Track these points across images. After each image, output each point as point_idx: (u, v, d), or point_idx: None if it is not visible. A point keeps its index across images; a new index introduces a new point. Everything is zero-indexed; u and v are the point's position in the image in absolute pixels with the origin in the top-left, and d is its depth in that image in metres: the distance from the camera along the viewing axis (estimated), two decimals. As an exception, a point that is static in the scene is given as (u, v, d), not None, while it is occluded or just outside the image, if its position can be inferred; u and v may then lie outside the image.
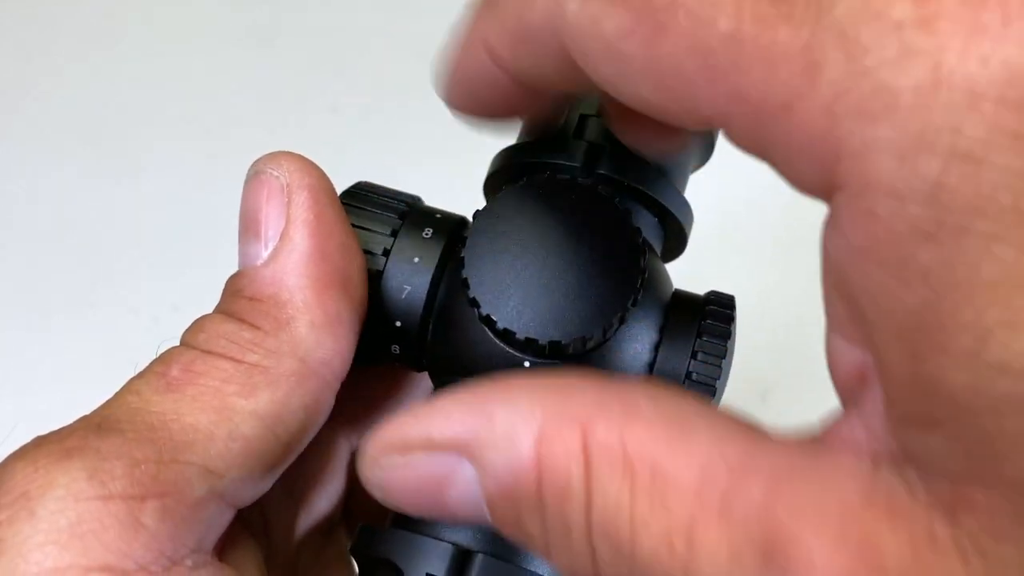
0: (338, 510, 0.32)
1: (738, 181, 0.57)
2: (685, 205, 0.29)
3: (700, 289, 0.29)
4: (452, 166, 0.56)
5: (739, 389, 0.53)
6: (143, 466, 0.22)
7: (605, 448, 0.17)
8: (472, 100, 0.24)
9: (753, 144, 0.17)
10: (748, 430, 0.17)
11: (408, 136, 0.61)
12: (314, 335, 0.25)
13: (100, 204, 0.59)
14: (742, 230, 0.55)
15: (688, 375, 0.26)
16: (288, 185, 0.25)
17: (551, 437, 0.18)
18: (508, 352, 0.26)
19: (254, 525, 0.28)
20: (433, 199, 0.30)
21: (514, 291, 0.25)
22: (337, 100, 0.63)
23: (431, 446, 0.19)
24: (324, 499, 0.31)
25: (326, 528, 0.31)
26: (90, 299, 0.57)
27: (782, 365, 0.53)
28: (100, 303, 0.56)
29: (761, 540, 0.15)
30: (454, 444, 0.19)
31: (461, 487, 0.19)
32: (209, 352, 0.24)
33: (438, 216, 0.29)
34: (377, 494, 0.21)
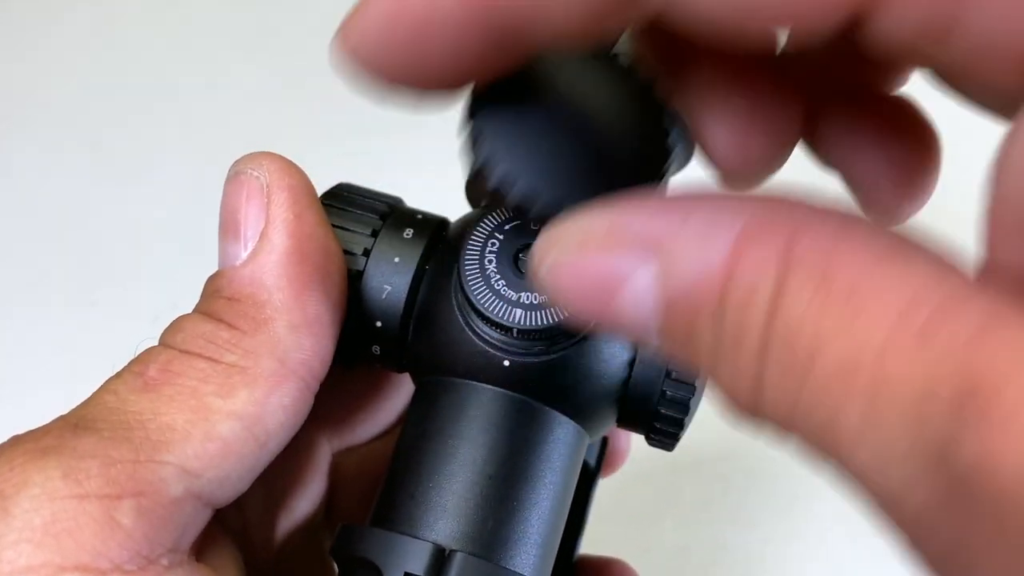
0: (319, 513, 0.32)
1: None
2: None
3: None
4: (452, 166, 0.56)
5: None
6: (119, 465, 0.22)
7: (806, 259, 0.15)
8: (409, 54, 0.19)
9: (907, 43, 0.16)
10: (964, 275, 0.15)
11: (408, 136, 0.60)
12: (293, 336, 0.25)
13: (100, 204, 0.59)
14: None
15: (668, 373, 0.27)
16: (268, 185, 0.25)
17: (751, 240, 0.16)
18: (489, 352, 0.26)
19: (233, 525, 0.28)
20: (433, 200, 0.31)
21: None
22: (337, 100, 0.61)
23: (614, 240, 0.17)
24: (305, 501, 0.31)
25: (307, 530, 0.31)
26: (90, 298, 0.57)
27: None
28: (100, 302, 0.56)
29: (962, 379, 0.14)
30: (641, 240, 0.17)
31: (635, 292, 0.17)
32: (187, 352, 0.24)
33: (419, 217, 0.29)
34: (544, 287, 0.18)
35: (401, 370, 0.29)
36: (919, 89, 0.24)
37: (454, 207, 0.32)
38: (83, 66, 0.65)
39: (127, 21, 0.67)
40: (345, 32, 0.19)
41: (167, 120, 0.63)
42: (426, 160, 0.58)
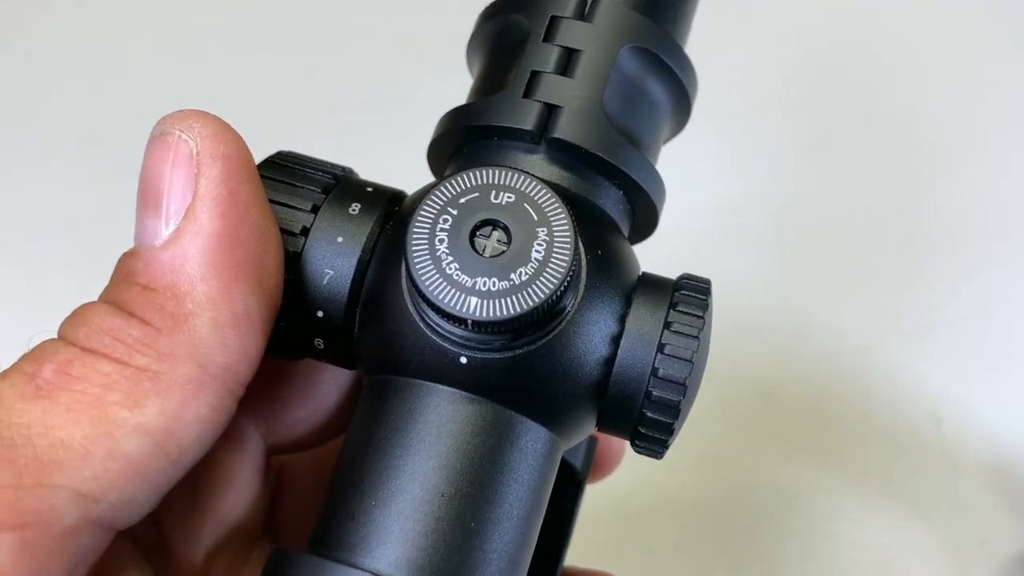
0: (256, 518, 0.28)
1: (737, 180, 0.55)
2: (655, 177, 0.26)
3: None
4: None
5: (742, 389, 0.50)
6: None
7: None
8: None
9: None
10: None
11: (408, 136, 0.58)
12: (216, 335, 0.21)
13: (99, 204, 0.58)
14: (742, 229, 0.53)
15: (661, 347, 0.23)
16: (198, 152, 0.21)
17: None
18: (442, 346, 0.23)
19: (145, 540, 0.25)
20: (380, 176, 0.27)
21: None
22: (337, 100, 0.61)
23: None
24: (236, 506, 0.27)
25: (242, 541, 0.27)
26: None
27: (784, 366, 0.51)
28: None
29: None
30: None
31: None
32: (90, 351, 0.20)
33: (369, 189, 0.25)
34: None
35: (350, 366, 0.25)
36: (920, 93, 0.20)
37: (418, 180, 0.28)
38: (82, 66, 0.63)
39: (127, 21, 0.65)
40: None
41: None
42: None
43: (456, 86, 0.58)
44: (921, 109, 0.61)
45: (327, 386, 0.28)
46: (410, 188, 0.26)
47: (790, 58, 0.61)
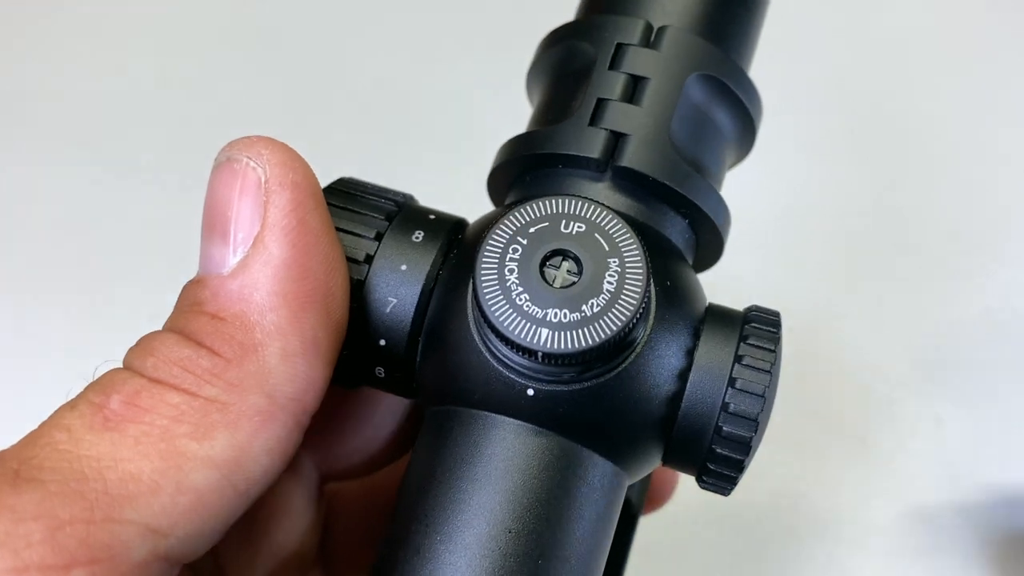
0: (309, 547, 0.27)
1: (738, 182, 0.55)
2: (721, 205, 0.26)
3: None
4: (453, 167, 0.54)
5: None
6: (68, 528, 0.18)
7: None
8: None
9: None
10: None
11: (408, 136, 0.59)
12: (286, 366, 0.21)
13: (99, 204, 0.58)
14: (745, 232, 0.53)
15: (732, 381, 0.22)
16: (267, 180, 0.21)
17: None
18: (509, 378, 0.22)
19: (203, 571, 0.24)
20: (433, 201, 0.26)
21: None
22: (337, 100, 0.61)
23: None
24: (290, 536, 0.27)
25: (297, 569, 0.27)
26: (89, 298, 0.55)
27: (784, 366, 0.51)
28: (99, 302, 0.55)
29: None
30: None
31: None
32: (158, 381, 0.20)
33: (431, 217, 0.25)
34: None
35: (410, 396, 0.25)
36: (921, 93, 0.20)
37: (474, 206, 0.28)
38: (83, 66, 0.63)
39: (127, 20, 0.65)
40: None
41: (166, 119, 0.61)
42: (445, 159, 0.56)
43: (460, 90, 0.57)
44: (921, 109, 0.61)
45: (382, 415, 0.28)
46: (413, 189, 0.26)
47: (794, 62, 0.61)
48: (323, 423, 0.27)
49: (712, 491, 0.25)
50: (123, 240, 0.57)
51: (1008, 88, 0.62)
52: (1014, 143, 0.60)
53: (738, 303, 0.25)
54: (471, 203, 0.30)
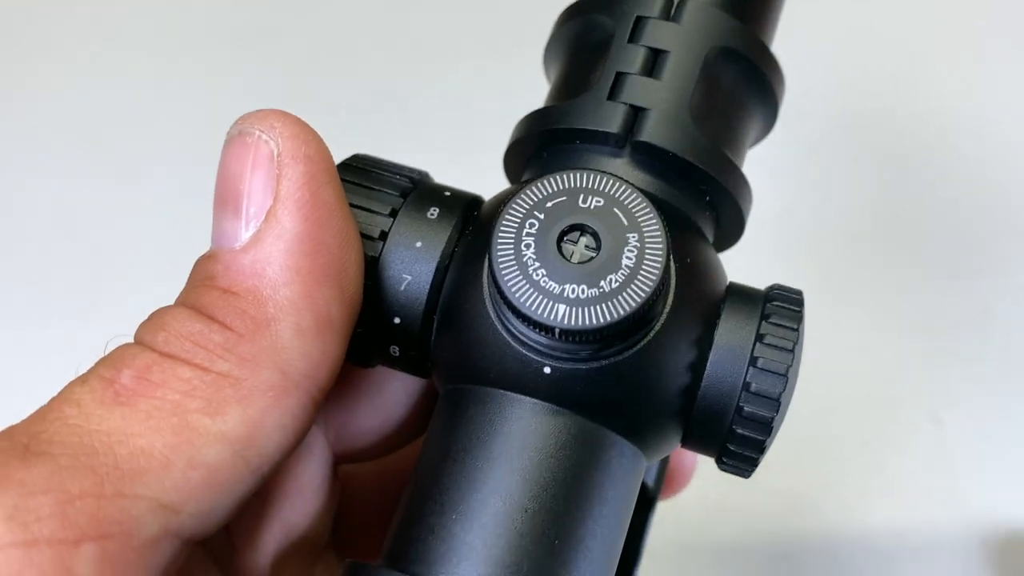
0: (322, 530, 0.27)
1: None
2: (743, 182, 0.25)
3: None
4: (453, 167, 0.53)
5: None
6: (79, 502, 0.17)
7: None
8: None
9: None
10: None
11: (408, 136, 0.59)
12: (299, 341, 0.20)
13: (98, 204, 0.58)
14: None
15: (753, 360, 0.22)
16: (280, 154, 0.21)
17: None
18: (526, 355, 0.22)
19: (216, 550, 0.24)
20: (459, 176, 0.26)
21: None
22: (337, 100, 0.61)
23: None
24: (303, 517, 0.26)
25: (308, 551, 0.27)
26: (89, 298, 0.55)
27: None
28: (99, 302, 0.55)
29: None
30: None
31: None
32: (170, 356, 0.20)
33: (447, 194, 0.24)
34: None
35: (424, 375, 0.25)
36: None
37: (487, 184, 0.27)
38: (81, 65, 0.63)
39: (126, 20, 0.65)
40: None
41: (166, 119, 0.61)
42: (445, 159, 0.56)
43: (461, 84, 0.57)
44: (922, 109, 0.61)
45: (397, 395, 0.28)
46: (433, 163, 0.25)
47: (794, 62, 0.60)
48: (337, 402, 0.27)
49: (732, 473, 0.24)
50: (121, 240, 0.57)
51: (1009, 87, 0.62)
52: (1015, 143, 0.60)
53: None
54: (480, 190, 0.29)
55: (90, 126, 0.60)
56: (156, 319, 0.20)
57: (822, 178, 0.58)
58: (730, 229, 0.26)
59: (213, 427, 0.19)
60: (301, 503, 0.26)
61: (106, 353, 0.20)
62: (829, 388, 0.51)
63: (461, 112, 0.60)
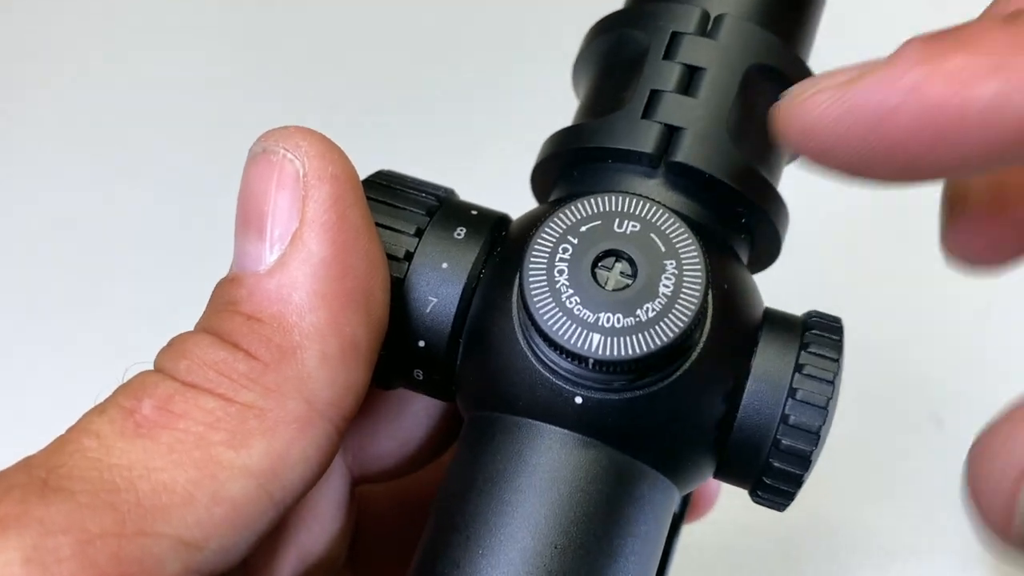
0: (338, 552, 0.26)
1: None
2: (779, 202, 0.24)
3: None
4: (454, 167, 0.53)
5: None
6: (99, 541, 0.17)
7: None
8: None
9: None
10: None
11: (408, 137, 0.57)
12: (325, 370, 0.20)
13: (97, 204, 0.57)
14: None
15: (792, 392, 0.21)
16: (306, 174, 0.20)
17: None
18: (556, 384, 0.21)
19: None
20: (483, 191, 0.25)
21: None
22: (336, 100, 0.60)
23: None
24: (320, 541, 0.26)
25: (324, 574, 0.26)
26: (88, 298, 0.55)
27: None
28: (98, 302, 0.54)
29: None
30: None
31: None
32: (192, 385, 0.19)
33: (474, 213, 0.23)
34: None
35: (449, 399, 0.24)
36: None
37: (512, 200, 0.27)
38: (80, 65, 0.62)
39: (125, 20, 0.64)
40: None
41: (165, 119, 0.60)
42: (445, 159, 0.55)
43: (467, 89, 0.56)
44: None
45: (418, 416, 0.27)
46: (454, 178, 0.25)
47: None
48: (357, 425, 0.26)
49: (766, 506, 0.23)
50: (121, 240, 0.57)
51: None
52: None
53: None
54: (502, 198, 0.29)
55: (88, 125, 0.60)
56: (177, 346, 0.20)
57: (821, 176, 0.58)
58: (766, 251, 0.25)
59: (237, 460, 0.18)
60: (318, 528, 0.26)
61: (124, 380, 0.20)
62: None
63: (479, 115, 0.59)
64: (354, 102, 0.60)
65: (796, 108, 0.19)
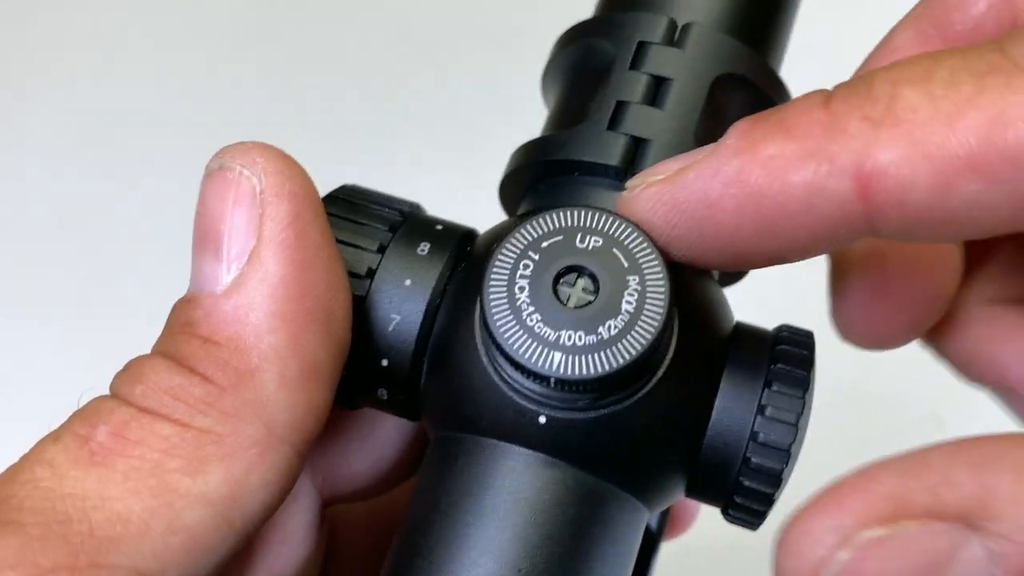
0: None
1: None
2: None
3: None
4: (452, 168, 0.53)
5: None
6: (51, 575, 0.16)
7: None
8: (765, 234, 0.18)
9: None
10: None
11: (408, 137, 0.57)
12: (284, 393, 0.19)
13: (95, 204, 0.57)
14: None
15: (761, 409, 0.21)
16: (263, 191, 0.20)
17: None
18: (519, 404, 0.21)
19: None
20: (432, 202, 0.25)
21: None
22: (336, 100, 0.60)
23: (932, 514, 0.16)
24: (290, 566, 0.25)
25: None
26: (87, 298, 0.55)
27: None
28: (98, 302, 0.55)
29: None
30: (963, 511, 0.16)
31: (962, 570, 0.16)
32: (148, 411, 0.19)
33: (438, 228, 0.23)
34: None
35: (414, 418, 0.24)
36: None
37: (474, 207, 0.26)
38: (79, 65, 0.62)
39: (125, 20, 0.64)
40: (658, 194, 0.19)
41: (164, 119, 0.61)
42: (444, 159, 0.54)
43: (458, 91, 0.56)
44: None
45: (389, 435, 0.27)
46: (412, 191, 0.24)
47: (794, 64, 0.60)
48: (325, 446, 0.26)
49: (740, 525, 0.23)
50: (121, 240, 0.56)
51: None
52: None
53: (735, 304, 0.24)
54: (474, 205, 0.28)
55: (87, 125, 0.60)
56: (133, 370, 0.19)
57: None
58: None
59: (194, 488, 0.18)
60: (286, 552, 0.25)
61: (80, 406, 0.19)
62: (828, 387, 0.50)
63: (456, 118, 0.59)
64: (353, 102, 0.60)
65: (630, 205, 0.20)
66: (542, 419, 0.20)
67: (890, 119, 0.17)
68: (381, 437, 0.27)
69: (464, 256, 0.23)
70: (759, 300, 0.26)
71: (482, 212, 0.28)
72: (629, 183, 0.20)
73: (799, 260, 0.20)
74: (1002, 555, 0.15)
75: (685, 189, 0.19)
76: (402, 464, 0.27)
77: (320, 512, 0.26)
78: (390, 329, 0.22)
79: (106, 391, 0.20)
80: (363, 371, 0.22)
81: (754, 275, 0.26)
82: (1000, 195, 0.16)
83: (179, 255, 0.53)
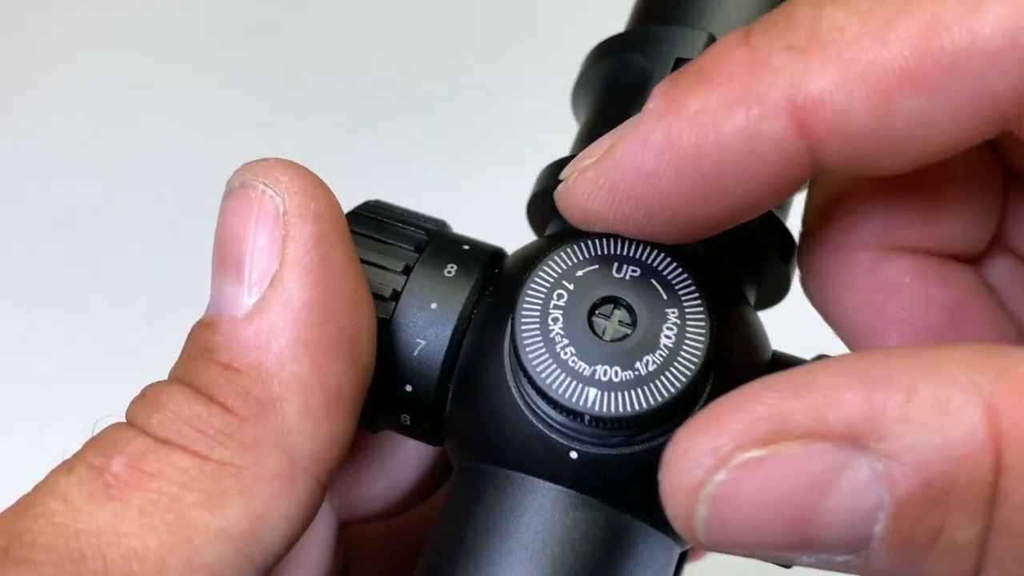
0: None
1: None
2: (788, 237, 0.23)
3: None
4: (452, 169, 0.52)
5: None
6: None
7: None
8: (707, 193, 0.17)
9: None
10: None
11: (408, 137, 0.57)
12: (307, 423, 0.18)
13: (94, 204, 0.57)
14: None
15: None
16: (286, 211, 0.19)
17: (1010, 407, 0.14)
18: (550, 438, 0.20)
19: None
20: (432, 202, 0.24)
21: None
22: (336, 101, 0.60)
23: (815, 434, 0.15)
24: None
25: None
26: (87, 298, 0.54)
27: None
28: (98, 302, 0.54)
29: None
30: (848, 430, 0.15)
31: (846, 492, 0.15)
32: (165, 442, 0.18)
33: (466, 248, 0.22)
34: (699, 523, 0.16)
35: (437, 443, 0.23)
36: None
37: (475, 214, 0.26)
38: (83, 66, 0.62)
39: (124, 20, 0.64)
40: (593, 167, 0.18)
41: (164, 120, 0.60)
42: (444, 159, 0.54)
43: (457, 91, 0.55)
44: None
45: (408, 457, 0.26)
46: (411, 194, 0.24)
47: None
48: (343, 468, 0.25)
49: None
50: (121, 241, 0.56)
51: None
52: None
53: (772, 328, 0.23)
54: (475, 205, 0.27)
55: (86, 125, 0.60)
56: (150, 398, 0.19)
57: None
58: (773, 289, 0.24)
59: (213, 523, 0.17)
60: (302, 574, 0.25)
61: (95, 434, 0.18)
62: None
63: (456, 117, 0.58)
64: (354, 103, 0.60)
65: (568, 195, 0.18)
66: (573, 454, 0.20)
67: (816, 43, 0.16)
68: (400, 459, 0.26)
69: (492, 278, 0.22)
70: (795, 326, 0.25)
71: (482, 212, 0.27)
72: (562, 174, 0.19)
73: (759, 213, 0.18)
74: (890, 476, 0.14)
75: (618, 167, 0.17)
76: (421, 486, 0.26)
77: (337, 534, 0.26)
78: (415, 354, 0.21)
79: (121, 417, 0.19)
80: (386, 396, 0.22)
81: (790, 302, 0.25)
82: (942, 108, 0.15)
83: (179, 255, 0.53)
